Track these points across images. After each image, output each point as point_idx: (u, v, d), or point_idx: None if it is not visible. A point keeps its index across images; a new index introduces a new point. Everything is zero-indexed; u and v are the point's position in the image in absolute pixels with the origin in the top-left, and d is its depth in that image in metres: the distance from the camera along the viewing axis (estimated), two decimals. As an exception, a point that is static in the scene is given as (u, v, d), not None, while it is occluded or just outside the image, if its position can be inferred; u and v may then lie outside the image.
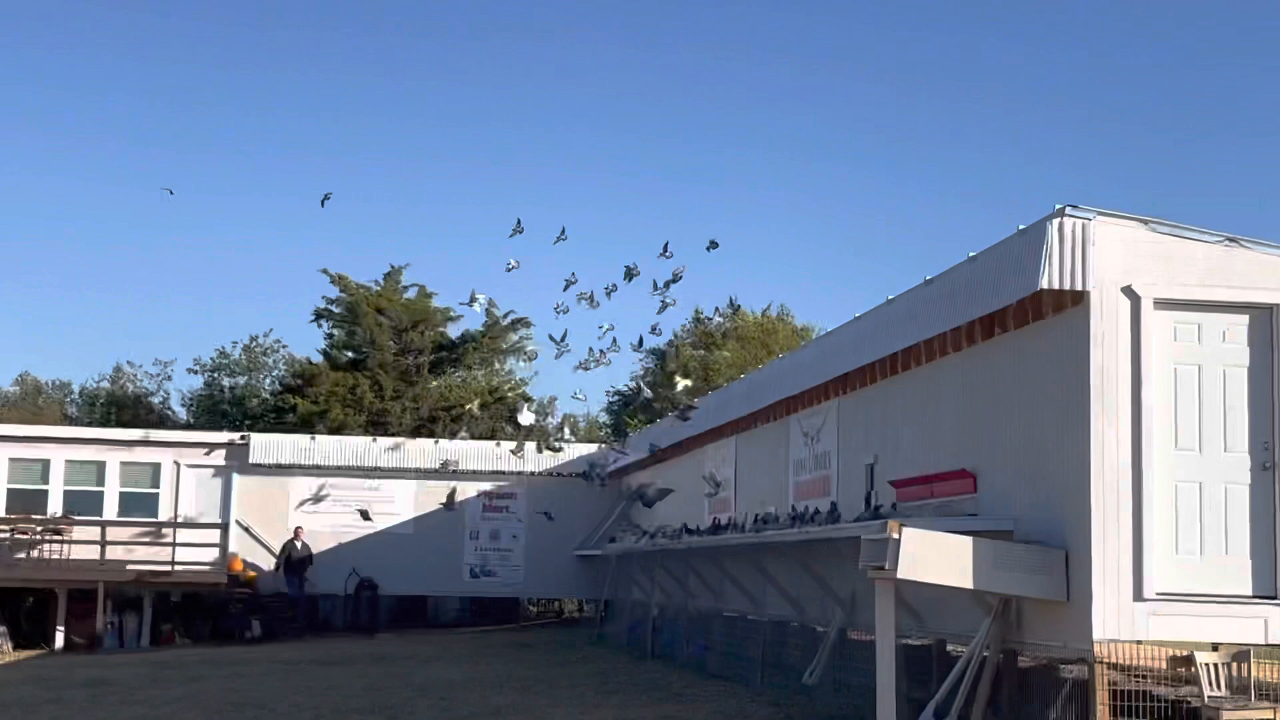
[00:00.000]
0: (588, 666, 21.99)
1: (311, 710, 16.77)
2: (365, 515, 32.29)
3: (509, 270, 20.98)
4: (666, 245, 20.19)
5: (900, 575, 12.03)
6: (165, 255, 76.53)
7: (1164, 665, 12.53)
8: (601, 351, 20.86)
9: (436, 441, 34.70)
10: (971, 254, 13.76)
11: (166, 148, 75.25)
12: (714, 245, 22.07)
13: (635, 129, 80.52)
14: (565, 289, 20.83)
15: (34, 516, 31.19)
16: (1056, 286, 12.05)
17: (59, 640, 30.00)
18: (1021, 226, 12.66)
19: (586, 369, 20.99)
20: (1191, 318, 12.17)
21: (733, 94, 79.60)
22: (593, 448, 36.19)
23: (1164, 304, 12.10)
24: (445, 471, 33.26)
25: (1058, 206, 12.12)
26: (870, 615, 13.64)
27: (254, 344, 51.05)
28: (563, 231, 20.95)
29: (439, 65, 78.93)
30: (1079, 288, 12.00)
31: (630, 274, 20.30)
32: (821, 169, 79.26)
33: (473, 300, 21.80)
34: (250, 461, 32.75)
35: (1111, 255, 12.04)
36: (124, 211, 78.03)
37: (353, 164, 77.88)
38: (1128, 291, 12.04)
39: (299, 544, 31.89)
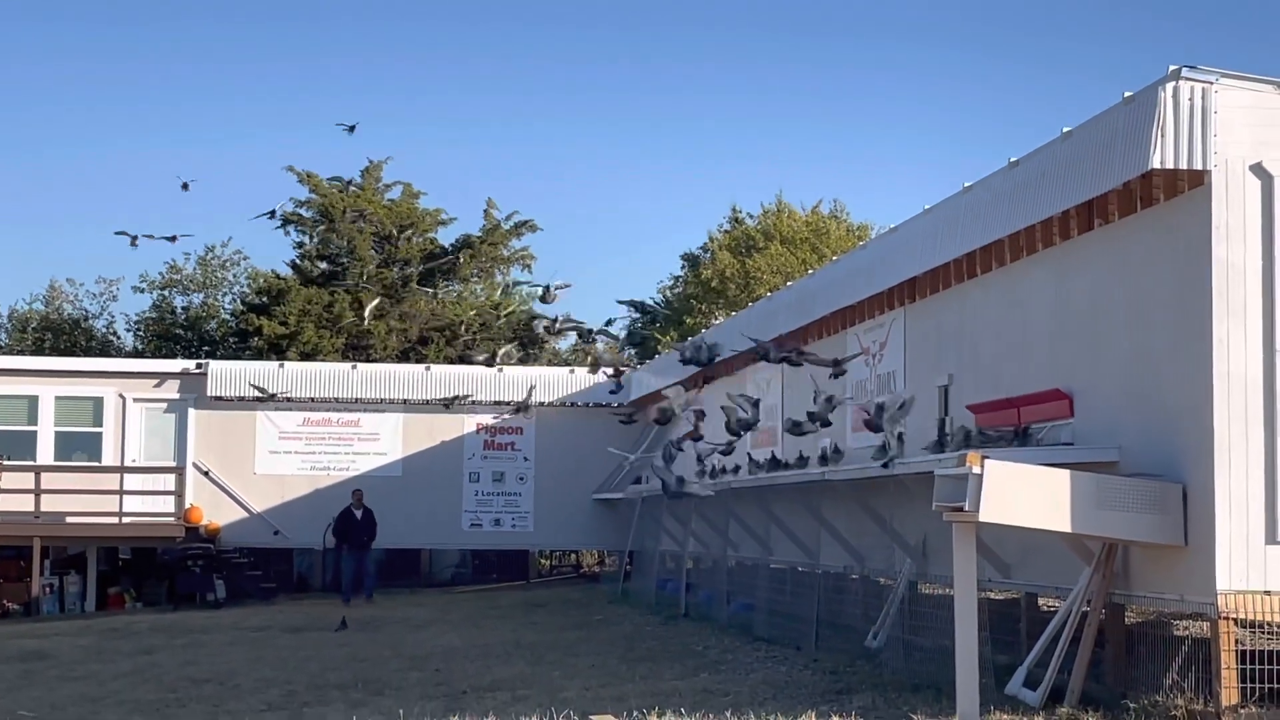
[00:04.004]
0: (609, 630, 22.01)
1: (282, 685, 16.76)
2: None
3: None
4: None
5: (982, 517, 11.96)
6: (107, 156, 76.39)
7: (1301, 621, 12.37)
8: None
9: (428, 367, 34.63)
10: (1066, 129, 13.58)
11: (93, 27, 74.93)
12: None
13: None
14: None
15: (-46, 462, 31.21)
16: (1170, 166, 11.87)
17: (-12, 607, 30.18)
18: (1127, 94, 12.46)
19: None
20: (1336, 201, 11.95)
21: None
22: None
23: (1303, 185, 11.90)
24: (441, 403, 33.11)
25: (1172, 68, 11.91)
26: (946, 565, 13.63)
27: (210, 256, 50.96)
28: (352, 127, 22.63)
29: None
30: (1198, 167, 11.83)
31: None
32: (878, 36, 78.39)
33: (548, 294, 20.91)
34: (209, 394, 32.73)
35: (1238, 126, 11.83)
36: (58, 111, 77.77)
37: (319, 41, 77.41)
38: (1258, 170, 11.85)
39: (358, 511, 31.10)
